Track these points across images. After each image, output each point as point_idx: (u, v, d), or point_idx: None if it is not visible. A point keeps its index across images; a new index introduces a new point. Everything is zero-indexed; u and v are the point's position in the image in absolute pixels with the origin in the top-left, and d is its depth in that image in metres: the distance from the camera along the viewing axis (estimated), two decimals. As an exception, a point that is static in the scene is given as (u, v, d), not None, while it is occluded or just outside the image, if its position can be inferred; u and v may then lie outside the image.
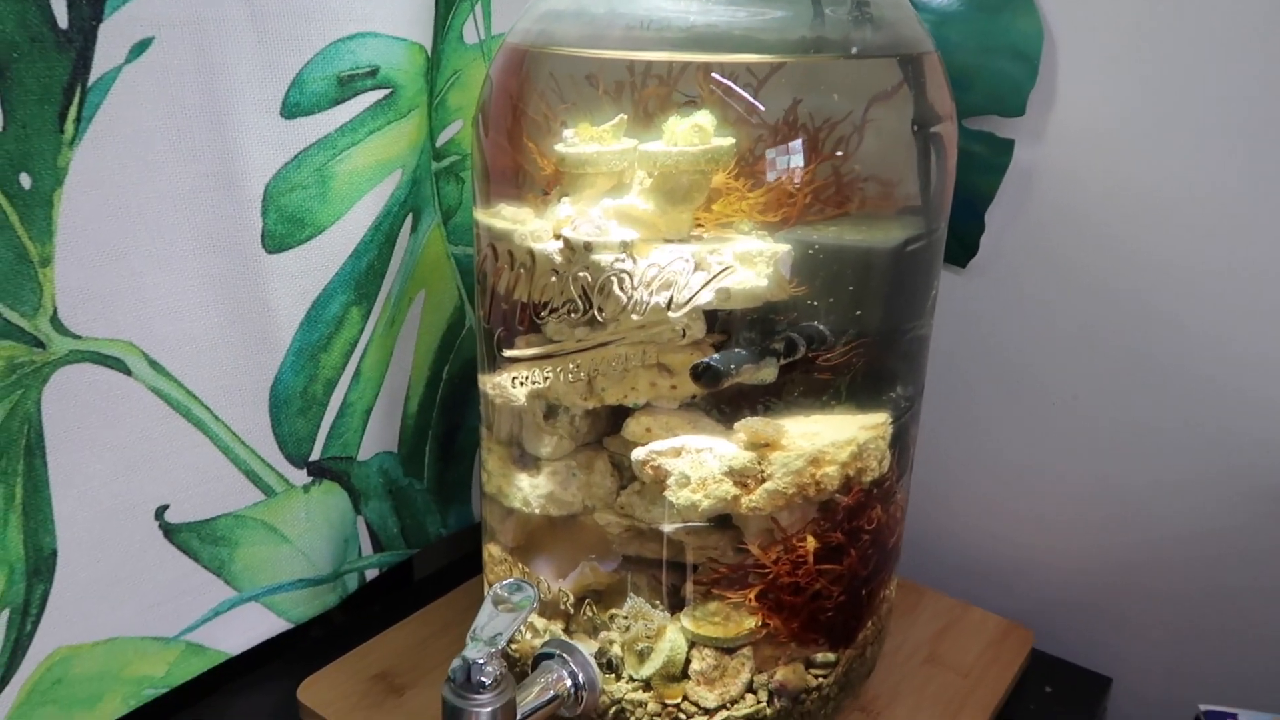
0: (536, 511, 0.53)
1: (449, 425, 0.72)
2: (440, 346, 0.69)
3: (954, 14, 0.60)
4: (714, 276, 0.44)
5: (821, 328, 0.50)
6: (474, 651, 0.44)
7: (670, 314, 0.44)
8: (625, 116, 0.49)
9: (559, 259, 0.48)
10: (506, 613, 0.46)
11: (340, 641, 0.62)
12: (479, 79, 0.66)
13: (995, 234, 0.65)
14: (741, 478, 0.47)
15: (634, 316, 0.44)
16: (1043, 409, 0.67)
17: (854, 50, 0.46)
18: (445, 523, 0.73)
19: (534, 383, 0.48)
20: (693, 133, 0.48)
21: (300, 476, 0.61)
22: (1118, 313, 0.63)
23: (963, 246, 0.65)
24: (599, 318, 0.44)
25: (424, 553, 0.78)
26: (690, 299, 0.44)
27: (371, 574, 0.69)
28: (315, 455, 0.61)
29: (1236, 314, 0.59)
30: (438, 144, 0.65)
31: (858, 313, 0.50)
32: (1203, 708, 0.54)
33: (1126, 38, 0.58)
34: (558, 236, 0.48)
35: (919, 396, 0.54)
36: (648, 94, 0.50)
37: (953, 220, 0.56)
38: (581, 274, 0.44)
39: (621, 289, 0.44)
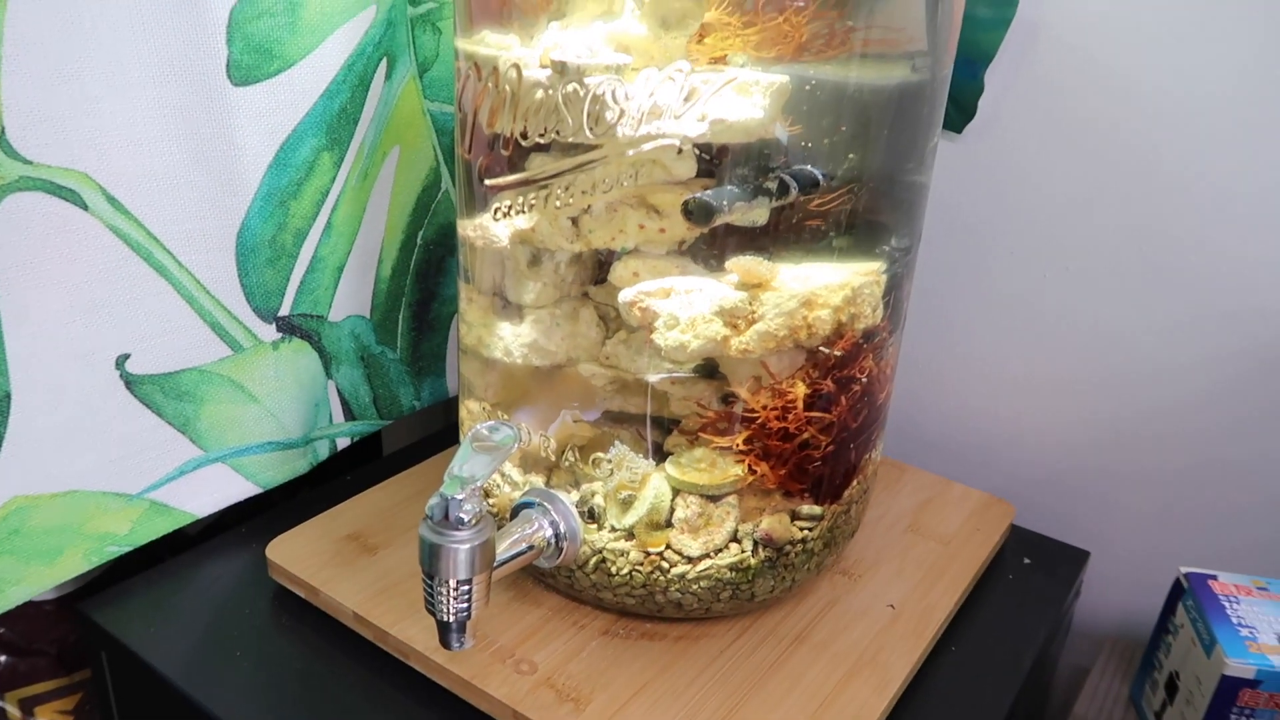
0: (519, 361, 0.51)
1: (423, 294, 0.69)
2: (415, 209, 0.66)
3: None
4: (715, 89, 0.42)
5: (814, 171, 0.48)
6: (452, 488, 0.42)
7: (665, 126, 0.42)
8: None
9: (546, 83, 0.45)
10: (485, 452, 0.44)
11: (311, 510, 0.61)
12: (458, -79, 0.62)
13: (994, 98, 0.63)
14: (732, 318, 0.45)
15: (625, 131, 0.42)
16: (1030, 285, 0.66)
17: None
18: (419, 395, 0.71)
19: (518, 212, 0.46)
20: (689, -42, 0.45)
21: (269, 332, 0.58)
22: (1115, 183, 0.61)
23: (960, 109, 0.63)
24: (589, 134, 0.42)
25: (394, 427, 0.76)
26: (684, 114, 0.41)
27: (343, 443, 0.67)
28: (284, 310, 0.58)
29: (1239, 183, 0.58)
30: (414, -11, 0.61)
31: (852, 155, 0.48)
32: (1184, 569, 0.54)
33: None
34: (545, 65, 0.45)
35: (915, 249, 0.52)
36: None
37: (951, 82, 0.54)
38: (571, 86, 0.41)
39: (614, 102, 0.41)
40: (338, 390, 0.65)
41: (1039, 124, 0.62)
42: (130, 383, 0.54)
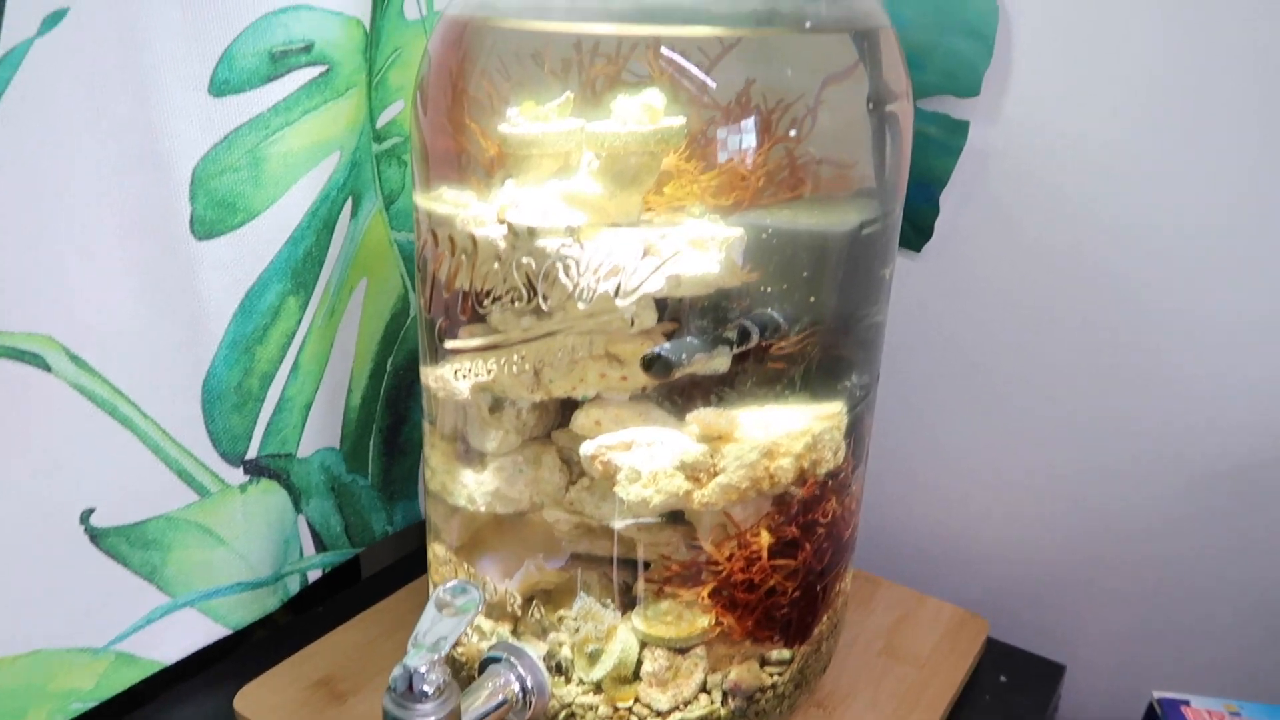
0: (482, 509, 0.51)
1: (394, 418, 0.69)
2: (384, 336, 0.67)
3: (906, -9, 0.59)
4: (664, 262, 0.42)
5: (775, 315, 0.49)
6: (416, 659, 0.42)
7: (619, 301, 0.42)
8: (571, 95, 0.47)
9: (502, 244, 0.46)
10: (450, 617, 0.44)
11: (283, 645, 0.60)
12: (420, 57, 0.63)
13: (950, 218, 0.64)
14: (694, 471, 0.46)
15: (580, 305, 0.42)
16: (996, 396, 0.66)
17: (807, 25, 0.45)
18: (391, 520, 0.71)
19: (477, 375, 0.46)
20: (642, 112, 0.46)
21: (236, 475, 0.58)
22: (1073, 298, 0.62)
23: (916, 230, 0.64)
24: (544, 307, 0.42)
25: (371, 549, 0.76)
26: (639, 285, 0.42)
27: (314, 575, 0.66)
28: (252, 453, 0.58)
29: (1191, 301, 0.59)
30: (378, 125, 0.62)
31: (812, 299, 0.49)
32: (1156, 695, 0.54)
33: (1082, 16, 0.57)
34: (501, 221, 0.46)
35: (874, 385, 0.53)
36: (595, 72, 0.48)
37: (907, 204, 0.55)
38: (525, 260, 0.42)
39: (567, 276, 0.42)
40: (308, 523, 0.65)
41: (996, 244, 0.63)
42: (95, 537, 0.54)
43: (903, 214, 0.53)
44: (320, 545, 0.66)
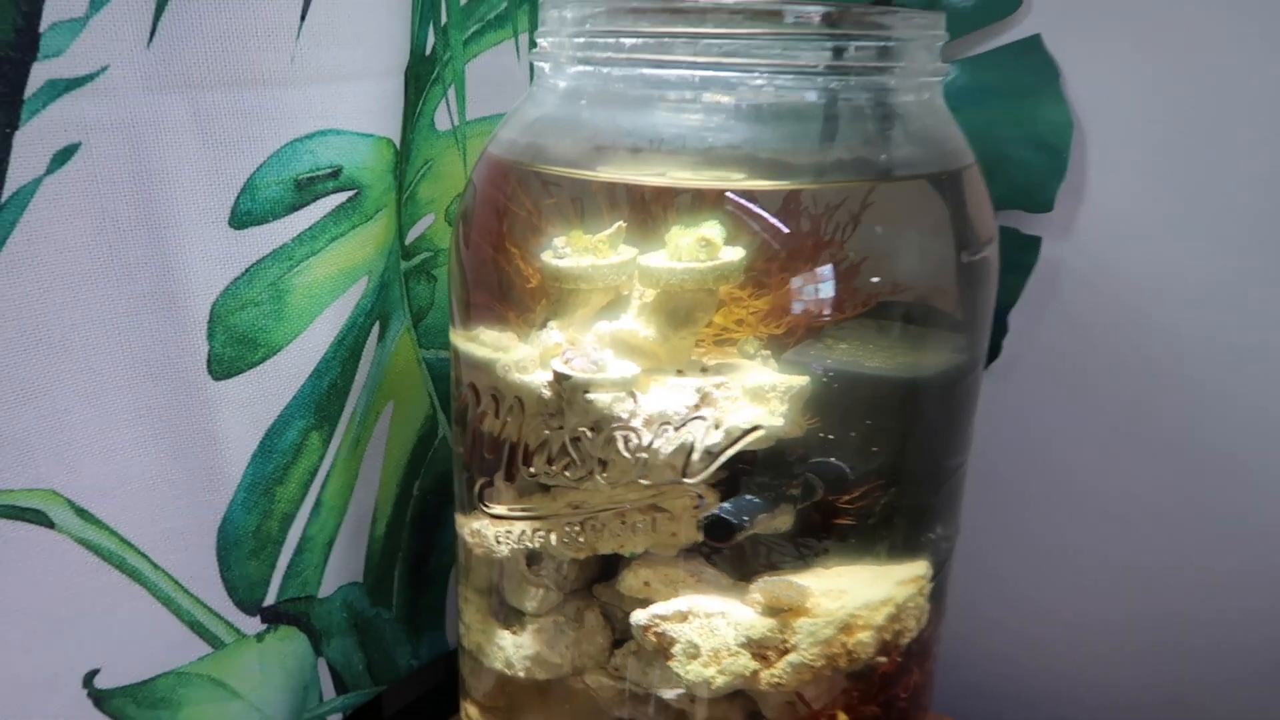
0: (521, 675, 0.46)
1: (421, 546, 0.65)
2: (410, 460, 0.63)
3: (972, 98, 0.55)
4: (737, 439, 0.38)
5: (840, 465, 0.44)
6: None
7: (686, 481, 0.38)
8: (624, 224, 0.43)
9: (547, 393, 0.42)
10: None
11: (299, 803, 0.55)
12: (452, 169, 0.60)
13: (1018, 336, 0.59)
14: (761, 649, 0.41)
15: (642, 482, 0.38)
16: (1077, 529, 0.61)
17: (883, 172, 0.41)
18: (417, 653, 0.66)
19: (524, 543, 0.42)
20: (698, 247, 0.42)
21: (253, 624, 0.54)
22: (1156, 423, 0.57)
23: (984, 350, 0.60)
24: (601, 481, 0.38)
25: (392, 686, 0.71)
26: (709, 467, 0.38)
27: (335, 719, 0.61)
28: (270, 599, 0.54)
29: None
30: (407, 241, 0.59)
31: (875, 448, 0.45)
32: None
33: (1161, 131, 0.53)
34: (545, 368, 0.42)
35: (957, 534, 0.48)
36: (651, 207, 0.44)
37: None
38: (581, 429, 0.38)
39: (627, 449, 0.37)
40: (329, 664, 0.60)
41: (1070, 362, 0.59)
42: (100, 699, 0.49)
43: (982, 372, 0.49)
44: (341, 686, 0.61)
